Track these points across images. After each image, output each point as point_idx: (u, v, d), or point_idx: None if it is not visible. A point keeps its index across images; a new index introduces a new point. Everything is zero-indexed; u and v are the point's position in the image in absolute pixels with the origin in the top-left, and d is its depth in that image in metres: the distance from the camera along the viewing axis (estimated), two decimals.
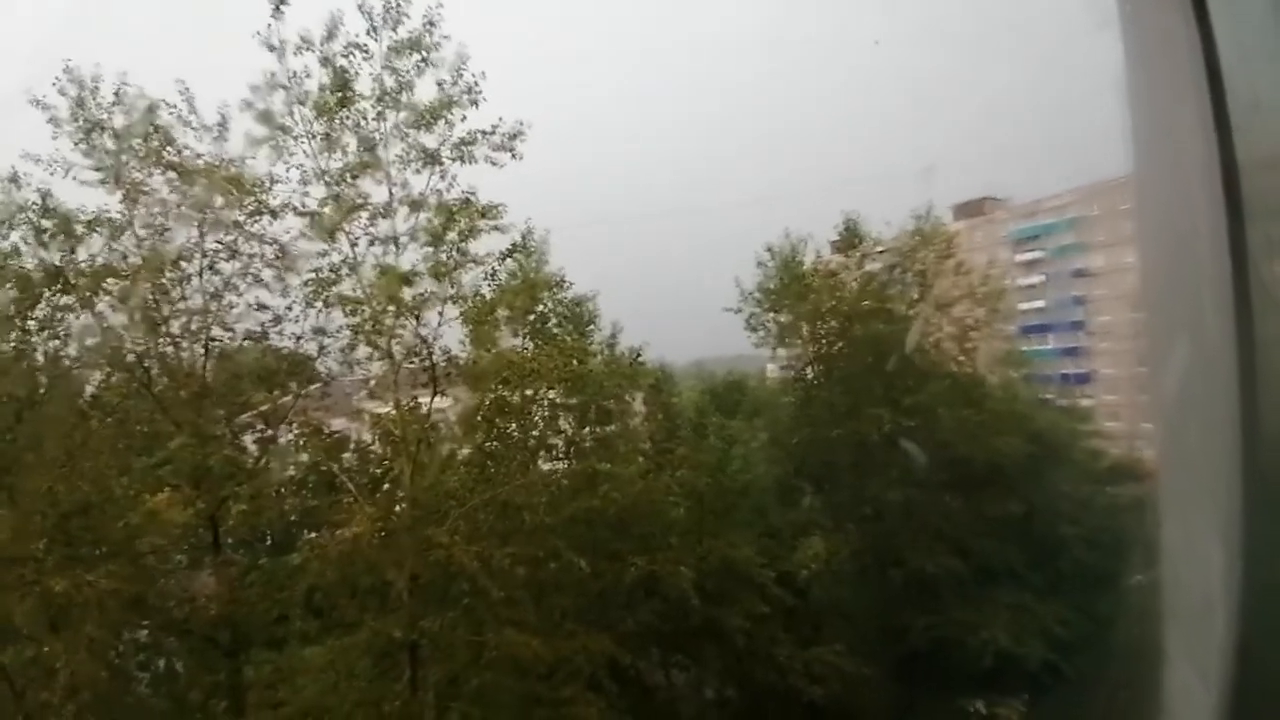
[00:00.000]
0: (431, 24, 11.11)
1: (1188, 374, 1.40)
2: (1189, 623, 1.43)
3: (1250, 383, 1.22)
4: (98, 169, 11.62)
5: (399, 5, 11.02)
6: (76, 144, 11.47)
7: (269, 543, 14.96)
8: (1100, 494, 21.59)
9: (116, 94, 11.63)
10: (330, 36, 11.02)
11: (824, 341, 21.78)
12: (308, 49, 11.03)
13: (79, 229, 11.63)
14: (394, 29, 11.08)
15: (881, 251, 22.19)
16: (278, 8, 10.88)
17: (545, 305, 16.54)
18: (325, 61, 11.06)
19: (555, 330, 16.57)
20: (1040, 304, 56.57)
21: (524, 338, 15.12)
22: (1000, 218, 62.84)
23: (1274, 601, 1.24)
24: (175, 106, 11.77)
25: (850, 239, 22.38)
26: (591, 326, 18.47)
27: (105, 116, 11.61)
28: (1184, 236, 1.38)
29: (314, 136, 11.41)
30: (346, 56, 11.04)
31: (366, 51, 11.06)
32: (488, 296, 12.02)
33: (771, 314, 22.34)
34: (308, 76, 11.19)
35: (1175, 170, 1.38)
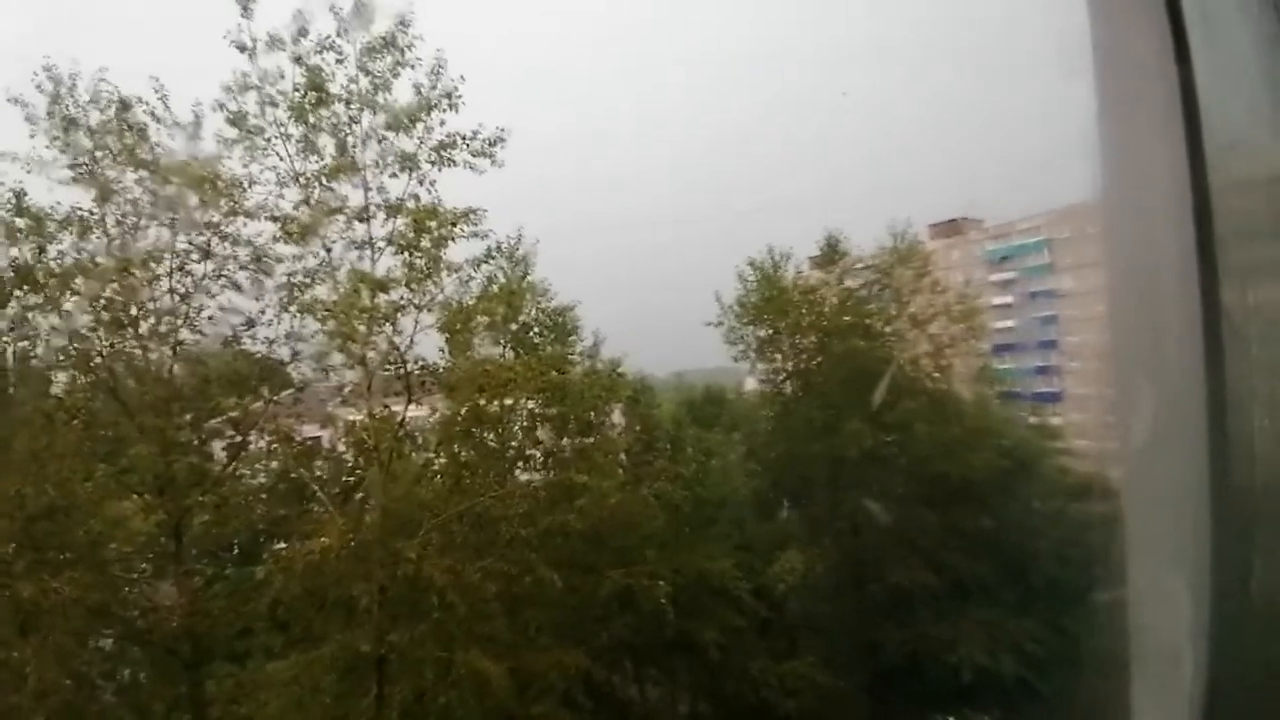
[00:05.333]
0: (404, 24, 11.04)
1: (1155, 411, 1.38)
2: (1156, 673, 1.40)
3: (1219, 421, 1.21)
4: (71, 166, 11.37)
5: (367, 3, 10.92)
6: (52, 141, 11.23)
7: (236, 552, 14.59)
8: (1070, 510, 21.91)
9: (93, 92, 11.41)
10: (301, 35, 10.89)
11: (803, 356, 21.94)
12: (279, 48, 10.90)
13: (50, 227, 11.35)
14: (366, 29, 10.99)
15: (861, 268, 22.46)
16: (246, 7, 10.75)
17: (528, 314, 16.46)
18: (298, 60, 10.92)
19: (537, 340, 16.48)
20: (1012, 323, 57.67)
21: (505, 346, 15.00)
22: (975, 238, 64.11)
23: (1242, 648, 1.22)
24: (149, 104, 11.55)
25: (830, 255, 22.61)
26: (573, 337, 18.43)
27: (81, 114, 11.38)
28: (1152, 268, 1.37)
29: (289, 138, 11.26)
30: (320, 54, 10.92)
31: (339, 51, 10.95)
32: (465, 304, 11.88)
33: (751, 328, 22.46)
34: (281, 77, 11.06)
35: (1145, 204, 1.38)
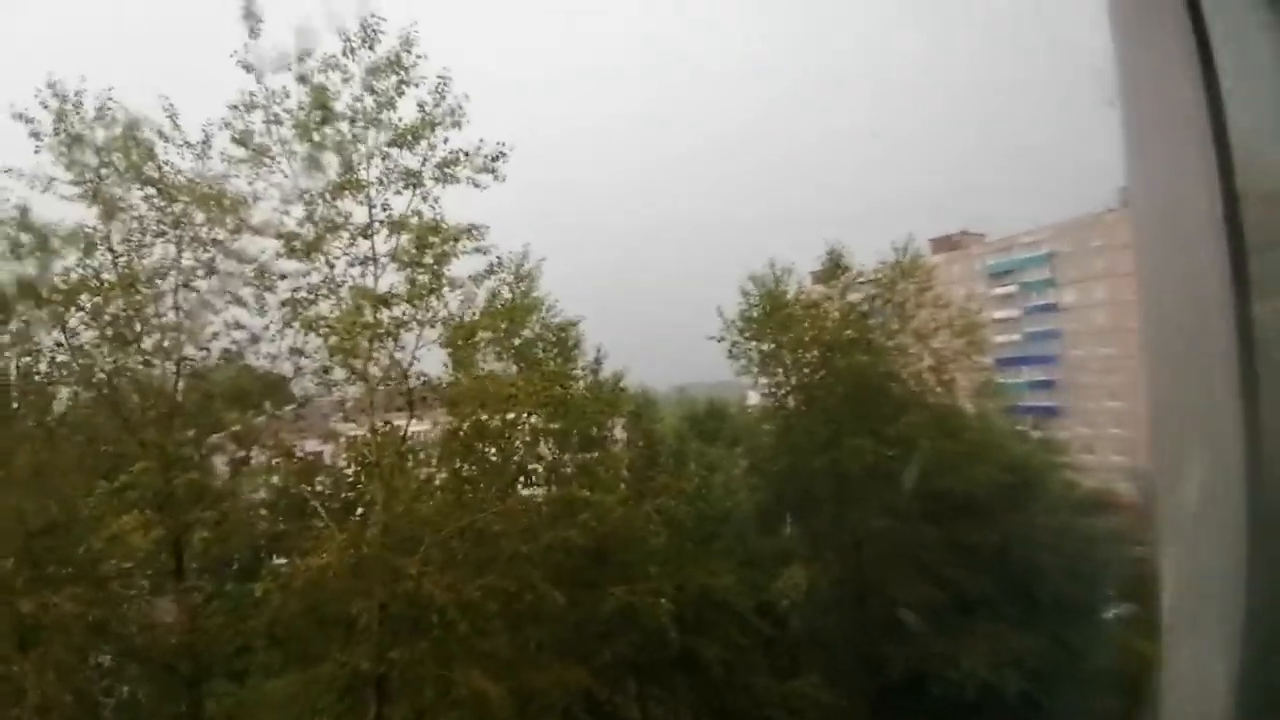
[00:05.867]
0: (409, 43, 11.18)
1: (1188, 428, 1.37)
2: (1188, 702, 1.38)
3: (1254, 439, 1.19)
4: (77, 183, 11.48)
5: (374, 25, 11.08)
6: (58, 158, 11.34)
7: (236, 568, 14.54)
8: (1075, 524, 21.77)
9: (100, 109, 11.53)
10: (305, 55, 11.03)
11: (805, 371, 21.91)
12: (285, 68, 11.04)
13: (55, 243, 11.44)
14: (371, 48, 11.13)
15: (863, 282, 22.47)
16: (253, 29, 10.90)
17: (532, 330, 16.50)
18: (303, 80, 11.05)
19: (540, 355, 16.49)
20: (1015, 337, 57.65)
21: (508, 362, 15.02)
22: (976, 252, 64.27)
23: (1275, 672, 1.20)
24: (157, 122, 11.68)
25: (833, 269, 22.64)
26: (576, 351, 18.44)
27: (87, 131, 11.50)
28: (1183, 280, 1.36)
29: (293, 155, 11.36)
30: (324, 73, 11.05)
31: (345, 71, 11.08)
32: (467, 319, 11.91)
33: (754, 343, 22.47)
34: (286, 96, 11.18)
35: (1174, 217, 1.37)
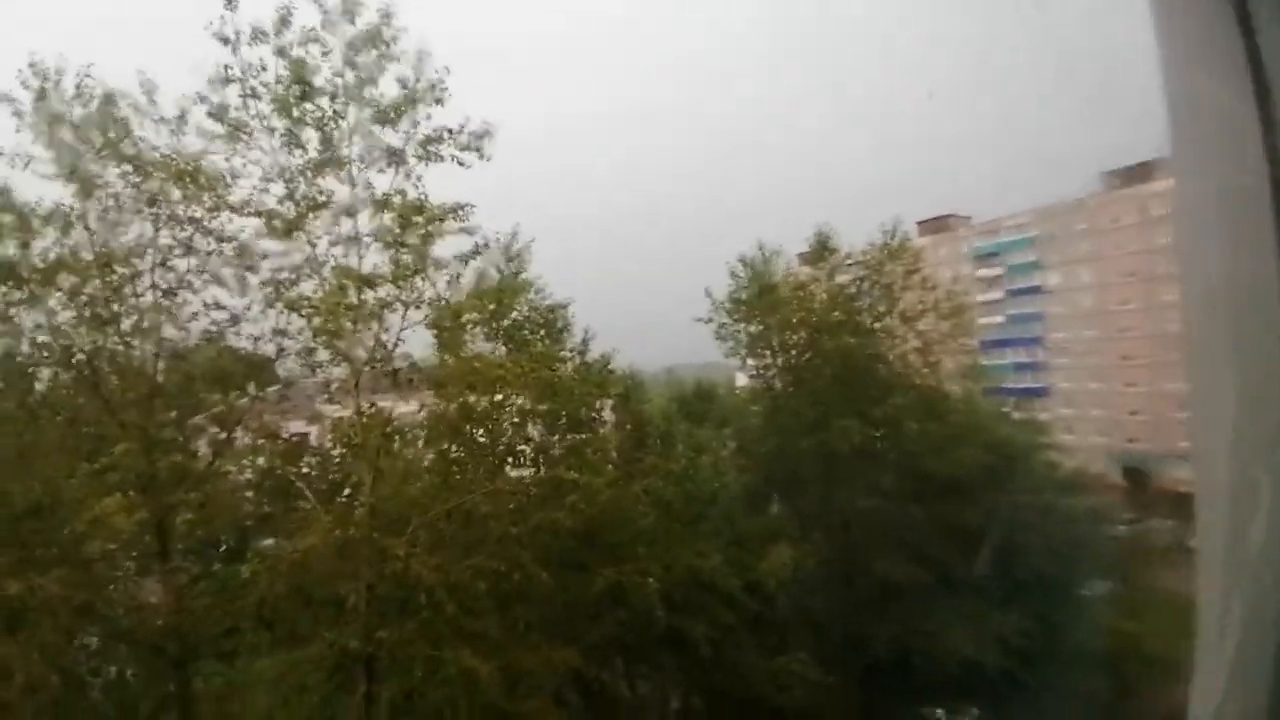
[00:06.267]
0: (389, 16, 10.94)
1: (1231, 415, 1.34)
2: (1216, 680, 1.37)
3: None
4: (56, 161, 11.22)
5: None
6: (37, 136, 11.08)
7: (223, 550, 14.47)
8: (1057, 504, 22.11)
9: (78, 86, 11.25)
10: (284, 26, 10.76)
11: (793, 352, 21.98)
12: (262, 41, 10.77)
13: (35, 223, 11.21)
14: (351, 21, 10.88)
15: (850, 264, 22.50)
16: (229, 1, 10.61)
17: (520, 312, 16.39)
18: (281, 53, 10.80)
19: (528, 337, 16.41)
20: (999, 319, 58.11)
21: (497, 343, 14.93)
22: (963, 234, 64.50)
23: None
24: (133, 98, 11.40)
25: (820, 251, 22.65)
26: (565, 333, 18.37)
27: (65, 109, 11.24)
28: (1231, 272, 1.33)
29: (273, 131, 11.13)
30: (303, 47, 10.81)
31: (324, 44, 10.84)
32: (453, 300, 11.80)
33: (742, 324, 22.49)
34: (263, 70, 10.93)
35: (1221, 208, 1.34)
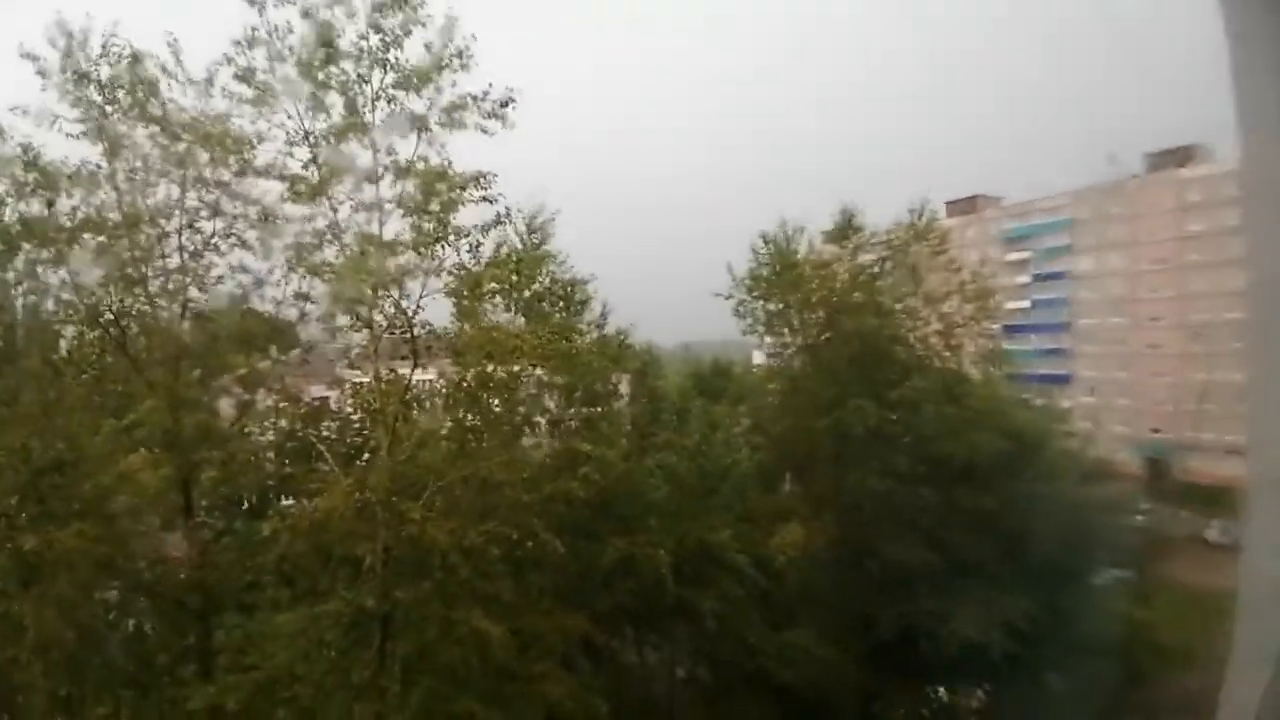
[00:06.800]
0: None
1: None
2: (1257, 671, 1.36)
3: None
4: (82, 120, 11.29)
5: None
6: (64, 95, 11.13)
7: (245, 507, 14.84)
8: (1074, 493, 21.88)
9: (104, 46, 11.26)
10: None
11: (812, 331, 21.81)
12: (289, 2, 10.71)
13: (61, 182, 11.30)
14: None
15: (875, 244, 22.17)
16: None
17: (541, 283, 16.42)
18: (307, 15, 10.73)
19: (547, 309, 16.46)
20: (1026, 304, 57.09)
21: (516, 314, 14.99)
22: (992, 216, 63.17)
23: None
24: (161, 59, 11.40)
25: (844, 229, 22.31)
26: (584, 307, 18.40)
27: (92, 68, 11.26)
28: None
29: (298, 96, 11.11)
30: (329, 8, 10.73)
31: (350, 6, 10.74)
32: (473, 269, 11.81)
33: (761, 301, 22.32)
34: (290, 32, 10.87)
35: None
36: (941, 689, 21.42)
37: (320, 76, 11.03)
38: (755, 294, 22.25)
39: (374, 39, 10.95)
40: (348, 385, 13.12)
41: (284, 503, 13.03)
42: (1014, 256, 58.93)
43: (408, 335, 11.36)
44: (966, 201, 61.84)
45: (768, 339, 23.60)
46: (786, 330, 22.46)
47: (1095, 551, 21.63)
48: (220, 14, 11.10)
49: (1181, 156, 50.38)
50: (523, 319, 15.12)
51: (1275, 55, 1.28)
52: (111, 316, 11.90)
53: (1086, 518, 21.39)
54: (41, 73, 10.98)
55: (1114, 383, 52.61)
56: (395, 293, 11.20)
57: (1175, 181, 50.05)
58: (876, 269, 21.82)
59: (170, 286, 12.12)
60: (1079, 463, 24.51)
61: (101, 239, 11.56)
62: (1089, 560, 21.49)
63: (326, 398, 13.56)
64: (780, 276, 21.80)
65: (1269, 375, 1.45)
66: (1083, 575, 21.40)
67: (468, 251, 11.49)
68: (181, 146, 11.76)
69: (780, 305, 22.09)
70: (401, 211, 11.38)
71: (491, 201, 11.50)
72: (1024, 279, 58.43)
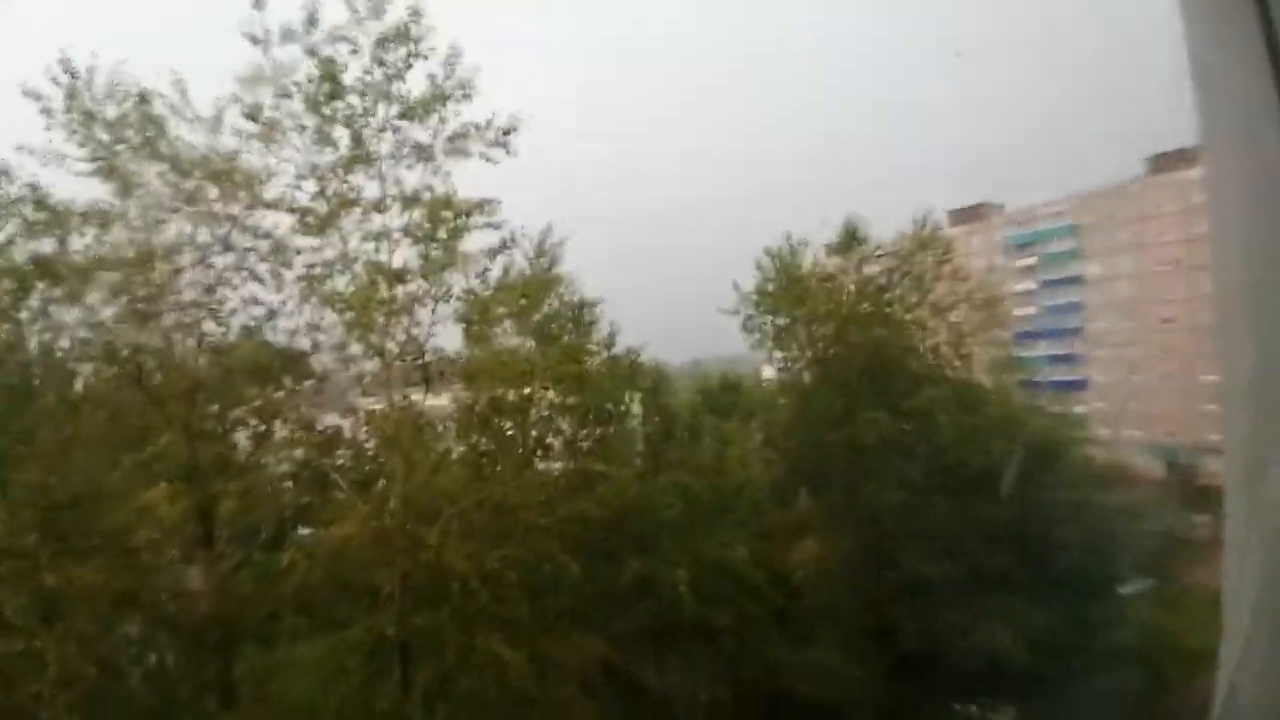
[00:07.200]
0: (417, 14, 11.03)
1: (1263, 413, 1.33)
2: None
3: None
4: (91, 160, 11.50)
5: None
6: (71, 134, 11.33)
7: (263, 538, 14.87)
8: (1092, 499, 21.62)
9: (110, 84, 11.50)
10: (311, 25, 10.91)
11: (820, 344, 21.77)
12: (292, 40, 10.96)
13: (73, 221, 11.46)
14: (378, 18, 11.00)
15: (880, 255, 22.19)
16: (258, 1, 10.80)
17: (551, 306, 16.53)
18: (311, 52, 10.97)
19: (557, 331, 16.54)
20: (1034, 310, 56.79)
21: (526, 337, 15.09)
22: (997, 223, 63.12)
23: None
24: (168, 97, 11.65)
25: (849, 242, 22.36)
26: (593, 328, 18.46)
27: (98, 107, 11.48)
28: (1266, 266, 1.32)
29: (304, 130, 11.33)
30: (332, 45, 10.98)
31: (353, 43, 10.99)
32: (482, 294, 11.94)
33: (769, 316, 22.34)
34: (294, 70, 11.13)
35: (1254, 200, 1.33)
36: (972, 707, 21.00)
37: (326, 111, 11.27)
38: (762, 309, 22.28)
39: (378, 72, 11.21)
40: (361, 413, 13.21)
41: (301, 532, 13.06)
42: (1021, 263, 58.75)
43: (419, 362, 11.45)
44: (970, 210, 61.85)
45: (776, 353, 23.57)
46: (795, 344, 22.43)
47: (1117, 559, 21.30)
48: (222, 50, 11.35)
49: (1185, 157, 50.32)
50: (533, 342, 15.22)
51: (1235, 59, 1.32)
52: (128, 353, 12.05)
53: (1107, 524, 21.10)
54: (46, 111, 11.14)
55: (1128, 387, 52.11)
56: (406, 320, 11.32)
57: (1180, 183, 49.95)
58: (883, 280, 21.82)
59: (185, 321, 12.28)
60: (1096, 469, 24.23)
61: (116, 277, 11.72)
62: (1111, 568, 21.16)
63: (341, 426, 13.65)
64: (787, 290, 21.82)
65: (1236, 378, 1.49)
66: (1105, 583, 21.06)
67: (476, 277, 11.62)
68: (191, 183, 11.97)
69: (788, 319, 22.09)
70: (409, 240, 11.55)
71: (496, 227, 11.68)
72: (1031, 285, 58.19)
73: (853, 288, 21.71)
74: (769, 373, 28.07)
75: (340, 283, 11.79)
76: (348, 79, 11.21)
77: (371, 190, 11.59)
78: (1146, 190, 53.31)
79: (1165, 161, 52.87)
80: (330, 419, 13.83)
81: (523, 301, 13.17)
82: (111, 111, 11.51)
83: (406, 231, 11.62)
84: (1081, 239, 57.44)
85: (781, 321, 22.28)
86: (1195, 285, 48.57)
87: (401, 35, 11.08)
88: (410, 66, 11.25)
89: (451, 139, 11.54)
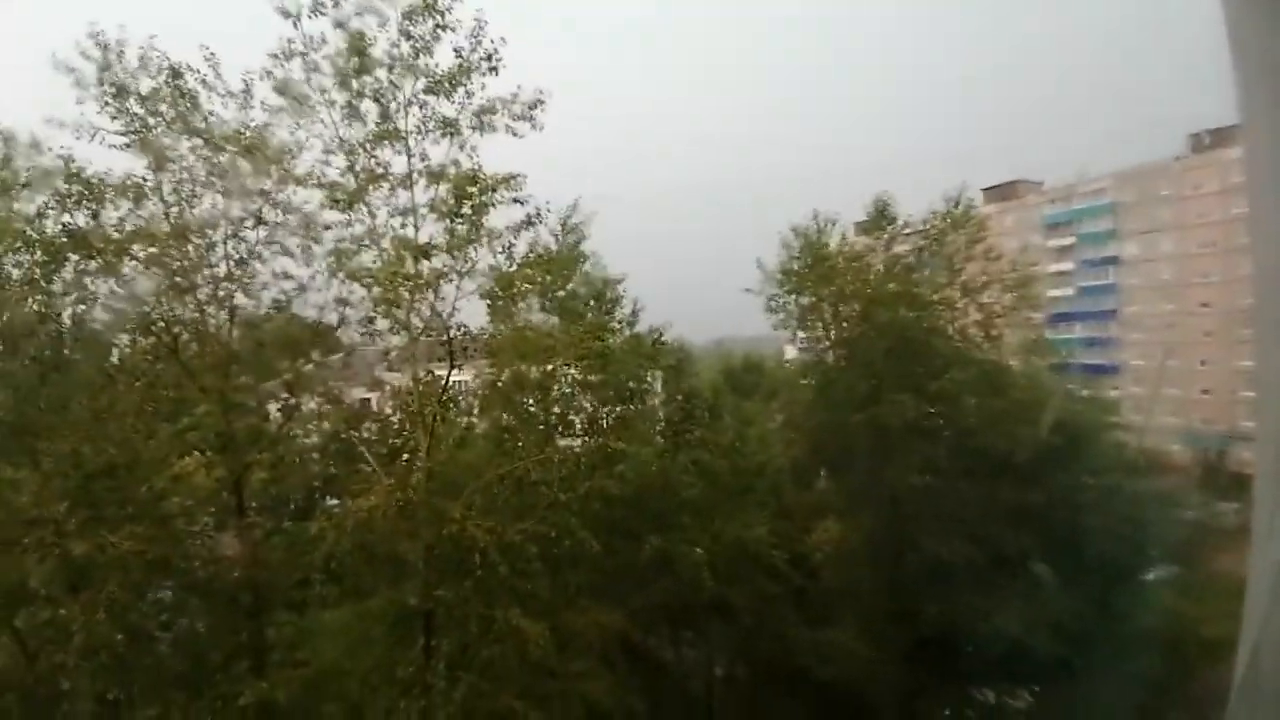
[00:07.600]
0: None
1: None
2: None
3: None
4: (124, 133, 11.64)
5: None
6: (103, 108, 11.46)
7: (293, 507, 15.25)
8: (1122, 486, 21.23)
9: (142, 58, 11.60)
10: None
11: (846, 325, 21.51)
12: (321, 12, 10.94)
13: (107, 193, 11.64)
14: None
15: (909, 234, 21.75)
16: None
17: (575, 283, 16.55)
18: (340, 25, 10.96)
19: (580, 308, 16.57)
20: (1070, 291, 55.40)
21: (551, 313, 15.11)
22: (1033, 201, 61.41)
23: None
24: (200, 71, 11.72)
25: (878, 220, 21.93)
26: (616, 305, 18.47)
27: (131, 80, 11.59)
28: None
29: (333, 104, 11.35)
30: (360, 18, 10.95)
31: (380, 15, 10.95)
32: (506, 270, 11.94)
33: (794, 296, 22.10)
34: (324, 43, 11.12)
35: None
36: (989, 691, 20.97)
37: (355, 85, 11.27)
38: (787, 288, 22.04)
39: (405, 46, 11.15)
40: (387, 387, 13.38)
41: (329, 502, 13.36)
42: (1056, 242, 57.18)
43: (444, 337, 11.54)
44: (1006, 187, 60.22)
45: (800, 334, 23.35)
46: (819, 324, 22.20)
47: (1144, 546, 20.96)
48: (252, 23, 11.34)
49: (1228, 136, 48.33)
50: (556, 318, 15.25)
51: (1272, 44, 1.25)
52: (163, 324, 12.31)
53: (1135, 512, 20.74)
54: (79, 84, 11.22)
55: (1164, 372, 50.77)
56: (431, 295, 11.39)
57: (1220, 163, 48.00)
58: (912, 260, 21.41)
59: (219, 294, 12.49)
60: (1127, 455, 23.76)
61: (152, 250, 11.91)
62: (1135, 555, 20.84)
63: (368, 400, 13.86)
64: (812, 270, 21.54)
65: (1270, 364, 1.43)
66: (1132, 571, 20.76)
67: (501, 253, 11.62)
68: (224, 157, 12.09)
69: (813, 299, 21.83)
70: (435, 215, 11.57)
71: (522, 203, 11.63)
72: (1068, 265, 56.68)
73: (880, 267, 21.35)
74: (791, 353, 27.86)
75: (367, 258, 11.88)
76: (375, 52, 11.19)
77: (398, 165, 11.62)
78: (1186, 169, 51.38)
79: (1206, 140, 50.85)
80: (357, 392, 14.05)
81: (547, 278, 13.15)
82: (145, 85, 11.63)
83: (432, 207, 11.62)
84: (1120, 218, 55.65)
85: (806, 301, 22.04)
86: (1234, 268, 46.93)
87: (429, 7, 11.00)
88: (438, 39, 11.18)
89: (478, 113, 11.48)
